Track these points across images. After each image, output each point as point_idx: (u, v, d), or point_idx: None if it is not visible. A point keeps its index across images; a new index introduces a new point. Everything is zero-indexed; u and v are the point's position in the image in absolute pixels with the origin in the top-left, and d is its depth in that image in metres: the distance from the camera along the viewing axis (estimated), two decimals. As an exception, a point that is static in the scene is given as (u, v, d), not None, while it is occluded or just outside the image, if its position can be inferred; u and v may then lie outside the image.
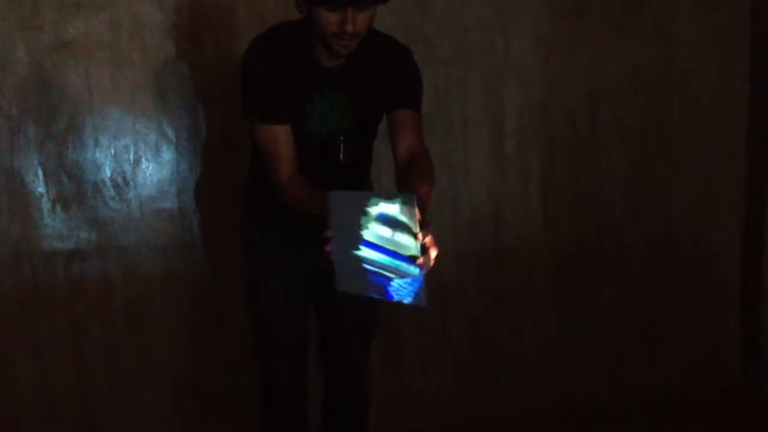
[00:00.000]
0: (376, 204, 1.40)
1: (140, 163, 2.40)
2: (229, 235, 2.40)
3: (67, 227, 2.37)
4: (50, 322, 2.39)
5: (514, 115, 2.72)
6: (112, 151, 2.38)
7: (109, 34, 2.32)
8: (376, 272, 1.44)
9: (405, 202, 1.37)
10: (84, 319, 2.42)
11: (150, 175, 2.42)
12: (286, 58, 1.74)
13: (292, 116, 1.77)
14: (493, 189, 2.74)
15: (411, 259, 1.39)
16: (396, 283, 1.42)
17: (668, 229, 2.94)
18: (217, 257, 2.49)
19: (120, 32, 2.32)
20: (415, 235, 1.38)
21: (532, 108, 2.73)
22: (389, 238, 1.40)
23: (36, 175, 2.33)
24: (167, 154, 2.42)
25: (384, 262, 1.42)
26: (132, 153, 2.39)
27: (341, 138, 1.82)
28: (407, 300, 1.43)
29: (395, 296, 1.44)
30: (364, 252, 1.43)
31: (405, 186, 1.62)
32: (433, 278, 1.45)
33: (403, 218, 1.37)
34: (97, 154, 2.37)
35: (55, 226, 2.36)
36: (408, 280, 1.41)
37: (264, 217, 1.95)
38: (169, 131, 2.41)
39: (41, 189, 2.34)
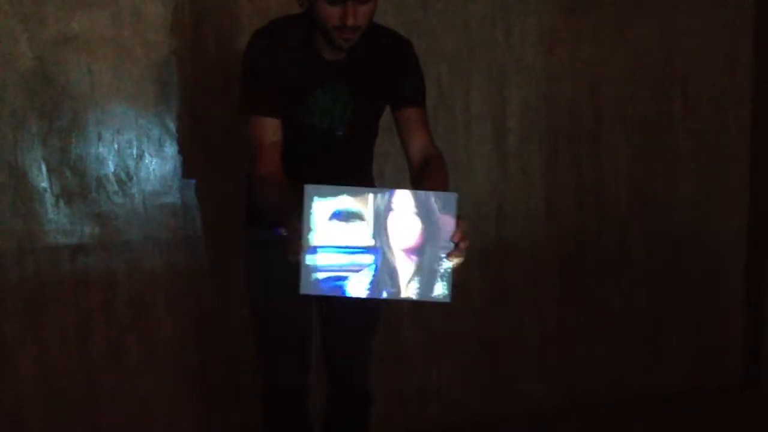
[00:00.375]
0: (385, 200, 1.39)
1: (143, 158, 2.41)
2: (231, 230, 2.41)
3: (70, 222, 2.37)
4: (54, 316, 2.40)
5: (516, 111, 2.72)
6: (116, 145, 2.38)
7: (111, 28, 2.32)
8: (330, 276, 1.42)
9: (446, 202, 1.39)
10: (88, 314, 2.42)
11: (153, 169, 2.42)
12: (287, 50, 1.74)
13: (291, 110, 1.76)
14: (495, 184, 2.73)
15: (364, 249, 1.40)
16: (352, 277, 1.42)
17: (671, 224, 2.94)
18: (220, 252, 2.49)
19: (123, 27, 2.33)
20: (363, 220, 1.38)
21: (534, 103, 2.73)
22: (342, 232, 1.39)
23: (39, 170, 2.34)
24: (170, 149, 2.43)
25: (339, 264, 1.41)
26: (135, 148, 2.40)
27: (343, 131, 1.82)
28: (370, 293, 1.42)
29: (351, 293, 1.42)
30: (318, 257, 1.40)
31: (422, 188, 1.62)
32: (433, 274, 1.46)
33: (357, 209, 1.38)
34: (101, 149, 2.37)
35: (58, 221, 2.37)
36: (363, 272, 1.41)
37: (263, 218, 1.95)
38: (172, 126, 2.42)
39: (45, 184, 2.35)
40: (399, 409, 2.74)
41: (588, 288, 2.90)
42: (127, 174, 2.40)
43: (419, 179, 1.75)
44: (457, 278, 1.48)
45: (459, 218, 1.43)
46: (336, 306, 2.00)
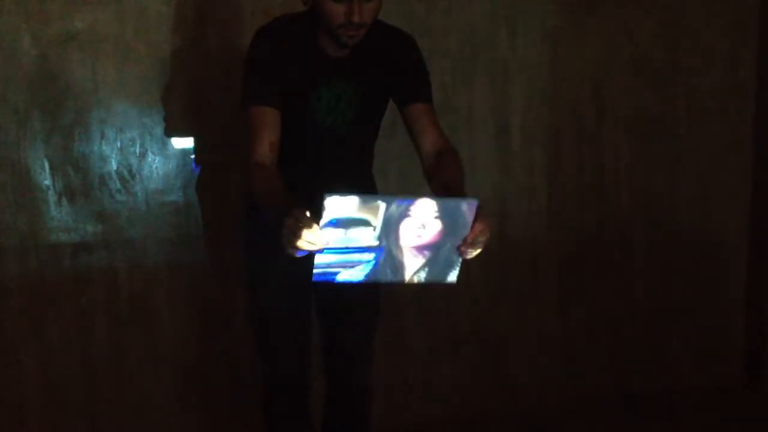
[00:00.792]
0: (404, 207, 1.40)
1: (146, 156, 2.41)
2: (234, 229, 2.41)
3: (73, 220, 2.37)
4: (56, 314, 2.40)
5: (519, 110, 2.72)
6: (119, 144, 2.38)
7: (115, 26, 2.32)
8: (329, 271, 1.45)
9: (469, 205, 1.44)
10: (90, 312, 2.42)
11: (156, 168, 2.42)
12: (290, 47, 1.73)
13: (295, 107, 1.76)
14: (498, 183, 2.74)
15: (364, 248, 1.41)
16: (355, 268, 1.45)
17: (673, 224, 2.94)
18: (223, 250, 2.49)
19: (126, 25, 2.33)
20: (369, 225, 1.39)
21: (538, 102, 2.73)
22: (343, 237, 1.39)
23: (42, 167, 2.34)
24: (173, 148, 2.43)
25: (340, 261, 1.43)
26: (138, 146, 2.40)
27: (346, 128, 1.82)
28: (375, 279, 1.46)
29: (354, 279, 1.46)
30: (319, 258, 1.41)
31: (441, 185, 1.65)
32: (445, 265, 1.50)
33: (368, 217, 1.38)
34: (104, 147, 2.37)
35: (61, 219, 2.36)
36: (364, 266, 1.45)
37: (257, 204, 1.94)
38: (175, 124, 2.41)
39: (48, 182, 2.34)
40: (399, 408, 2.74)
41: (589, 287, 2.89)
42: (130, 172, 2.40)
43: (434, 173, 1.74)
44: (458, 275, 1.51)
45: (480, 215, 1.48)
46: (336, 305, 2.00)
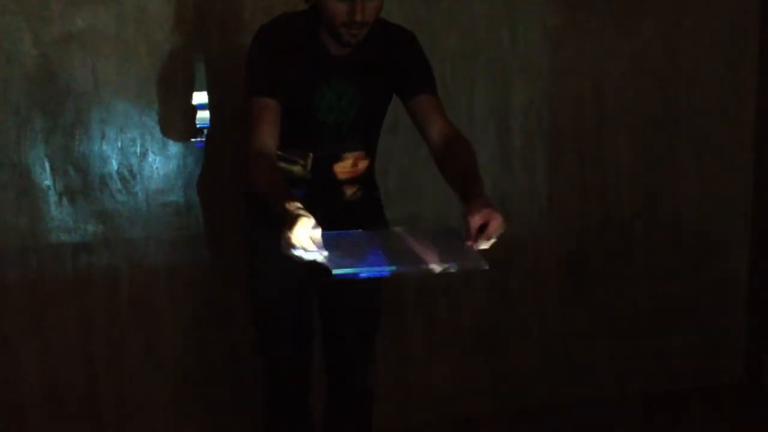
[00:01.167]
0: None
1: (147, 156, 2.41)
2: (234, 229, 2.40)
3: (73, 220, 2.37)
4: (57, 314, 2.40)
5: (520, 109, 2.72)
6: (119, 143, 2.38)
7: (116, 26, 2.32)
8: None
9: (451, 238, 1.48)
10: (90, 312, 2.42)
11: (156, 168, 2.42)
12: (292, 45, 1.74)
13: (297, 105, 1.76)
14: (499, 183, 2.73)
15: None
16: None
17: (674, 223, 2.94)
18: (223, 250, 2.49)
19: (127, 25, 2.33)
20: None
21: (539, 102, 2.73)
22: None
23: (43, 167, 2.33)
24: (174, 148, 2.42)
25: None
26: (139, 146, 2.40)
27: (348, 127, 1.82)
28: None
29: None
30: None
31: (454, 176, 1.65)
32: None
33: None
34: (104, 147, 2.37)
35: (61, 219, 2.36)
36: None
37: (264, 216, 1.95)
38: (176, 124, 2.41)
39: (48, 182, 2.34)
40: (400, 407, 2.73)
41: (590, 287, 2.89)
42: (131, 172, 2.40)
43: (445, 164, 1.73)
44: (459, 275, 1.52)
45: (485, 207, 1.48)
46: (338, 304, 2.00)
